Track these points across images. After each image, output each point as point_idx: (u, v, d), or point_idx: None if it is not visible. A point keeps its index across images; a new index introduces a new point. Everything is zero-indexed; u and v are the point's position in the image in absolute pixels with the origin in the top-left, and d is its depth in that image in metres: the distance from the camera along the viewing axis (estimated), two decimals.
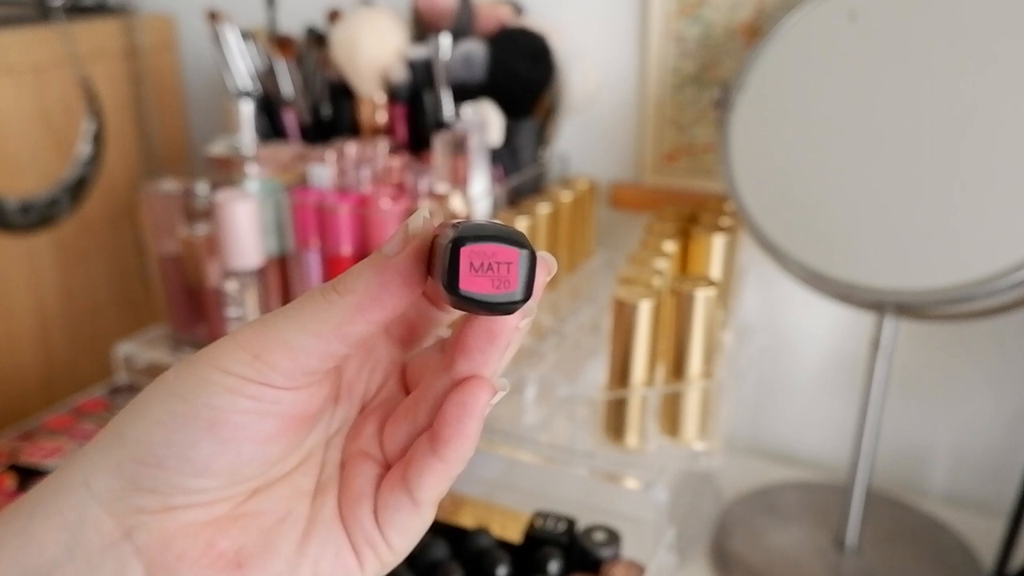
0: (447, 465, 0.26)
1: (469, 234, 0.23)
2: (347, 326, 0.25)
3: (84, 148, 0.87)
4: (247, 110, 0.77)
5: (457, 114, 0.74)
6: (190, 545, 0.25)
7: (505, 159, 0.75)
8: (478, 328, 0.26)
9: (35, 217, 0.83)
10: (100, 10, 0.93)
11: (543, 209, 0.71)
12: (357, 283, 0.25)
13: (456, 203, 0.68)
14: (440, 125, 0.75)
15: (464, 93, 0.74)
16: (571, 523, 0.61)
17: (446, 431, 0.26)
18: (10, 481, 0.66)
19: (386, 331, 0.30)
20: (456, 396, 0.26)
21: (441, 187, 0.69)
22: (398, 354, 0.31)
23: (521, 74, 0.74)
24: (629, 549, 0.61)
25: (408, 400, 0.28)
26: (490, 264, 0.23)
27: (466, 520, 0.65)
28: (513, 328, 0.26)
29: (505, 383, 0.27)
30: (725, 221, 0.69)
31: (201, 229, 0.73)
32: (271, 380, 0.25)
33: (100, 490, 0.25)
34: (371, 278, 0.25)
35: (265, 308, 0.72)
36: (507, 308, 0.24)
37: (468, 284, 0.23)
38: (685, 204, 0.76)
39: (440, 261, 0.24)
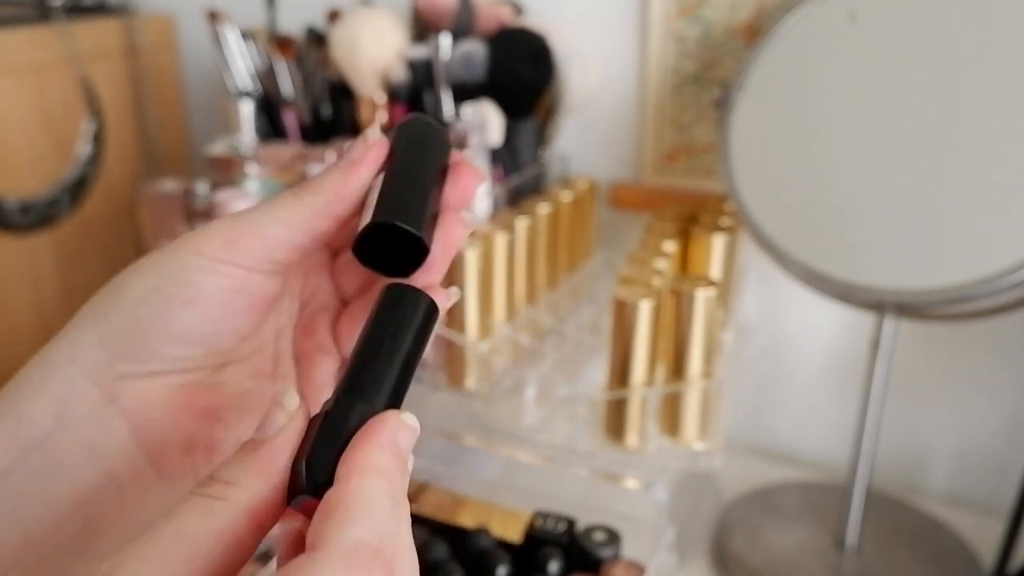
0: None
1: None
2: (314, 220, 0.29)
3: (84, 148, 0.87)
4: (247, 110, 0.77)
5: (457, 114, 0.74)
6: (169, 403, 0.28)
7: (505, 159, 0.75)
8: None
9: (35, 217, 0.83)
10: (100, 10, 0.93)
11: (543, 209, 0.71)
12: (325, 183, 0.29)
13: None
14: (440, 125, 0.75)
15: (464, 93, 0.74)
16: (571, 523, 0.61)
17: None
18: None
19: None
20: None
21: None
22: (328, 259, 0.33)
23: (521, 74, 0.74)
24: (629, 549, 0.61)
25: (363, 300, 0.32)
26: None
27: (466, 520, 0.65)
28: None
29: (456, 291, 0.31)
30: (725, 221, 0.69)
31: None
32: (242, 262, 0.28)
33: (86, 362, 0.27)
34: (338, 178, 0.29)
35: None
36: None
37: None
38: (685, 204, 0.76)
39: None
